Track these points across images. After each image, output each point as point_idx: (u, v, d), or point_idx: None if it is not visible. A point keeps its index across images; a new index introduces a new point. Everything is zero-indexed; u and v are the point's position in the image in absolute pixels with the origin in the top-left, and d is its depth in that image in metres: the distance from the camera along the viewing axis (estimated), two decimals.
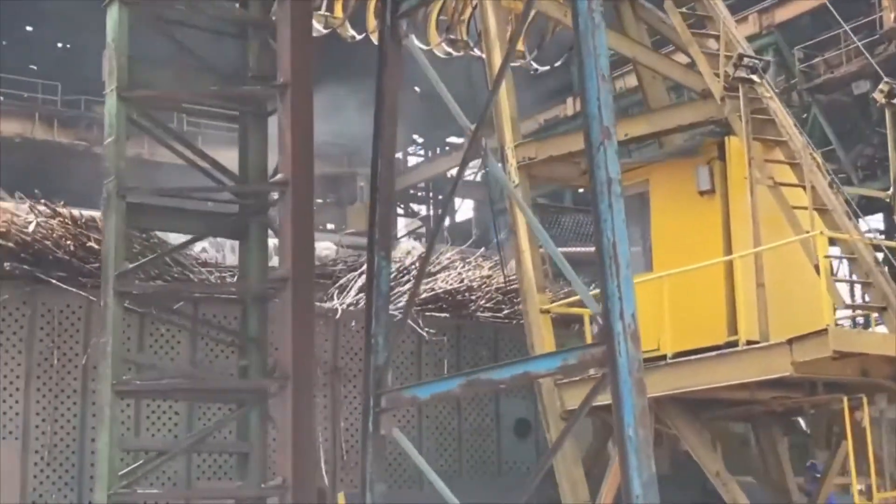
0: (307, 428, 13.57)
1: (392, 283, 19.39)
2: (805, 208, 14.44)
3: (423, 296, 18.92)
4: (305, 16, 14.34)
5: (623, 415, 10.01)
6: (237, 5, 15.32)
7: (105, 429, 13.32)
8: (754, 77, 14.72)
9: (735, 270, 14.58)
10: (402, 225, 52.61)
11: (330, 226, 49.25)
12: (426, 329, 18.29)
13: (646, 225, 16.32)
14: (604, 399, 15.20)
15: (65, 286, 16.51)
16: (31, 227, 17.02)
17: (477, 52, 21.30)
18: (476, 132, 11.85)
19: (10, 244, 16.56)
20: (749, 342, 14.36)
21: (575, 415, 16.56)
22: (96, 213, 16.59)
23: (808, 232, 14.02)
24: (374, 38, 21.40)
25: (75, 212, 17.56)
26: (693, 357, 14.51)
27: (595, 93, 10.55)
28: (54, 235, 16.79)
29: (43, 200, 17.71)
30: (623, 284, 10.11)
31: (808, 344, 13.16)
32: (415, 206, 54.90)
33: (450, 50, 20.65)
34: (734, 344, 14.53)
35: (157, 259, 14.64)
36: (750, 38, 30.00)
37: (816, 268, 14.02)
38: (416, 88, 46.59)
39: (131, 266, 13.80)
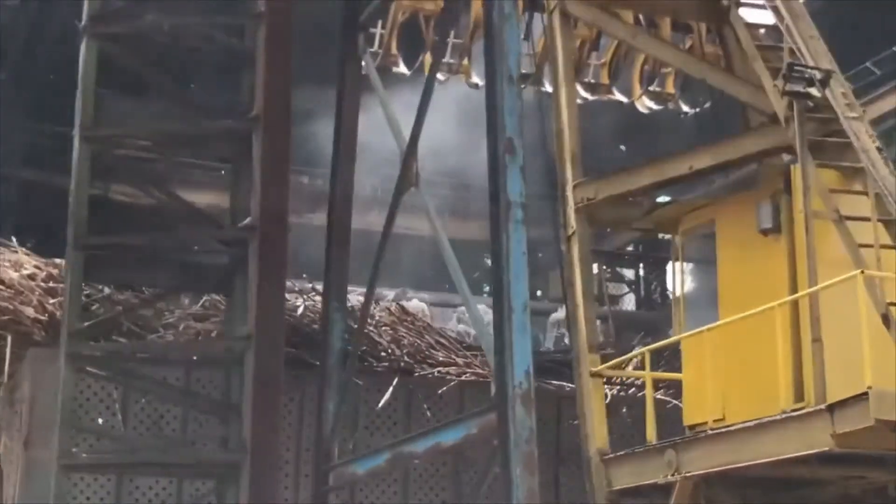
0: None
1: None
2: (879, 246, 11.86)
3: None
4: (283, 44, 12.72)
5: (510, 499, 7.93)
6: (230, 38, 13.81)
7: None
8: (812, 90, 12.27)
9: (778, 324, 12.08)
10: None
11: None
12: None
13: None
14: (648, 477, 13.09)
15: None
16: (298, 311, 15.38)
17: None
18: (407, 158, 10.00)
19: None
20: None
21: None
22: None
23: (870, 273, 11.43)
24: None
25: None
26: (732, 428, 12.04)
27: (499, 98, 8.59)
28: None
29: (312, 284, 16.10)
30: (517, 333, 8.05)
31: (849, 411, 10.56)
32: (622, 271, 52.05)
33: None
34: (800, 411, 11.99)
35: (117, 319, 13.00)
36: None
37: (884, 317, 11.41)
38: None
39: (86, 324, 12.40)
